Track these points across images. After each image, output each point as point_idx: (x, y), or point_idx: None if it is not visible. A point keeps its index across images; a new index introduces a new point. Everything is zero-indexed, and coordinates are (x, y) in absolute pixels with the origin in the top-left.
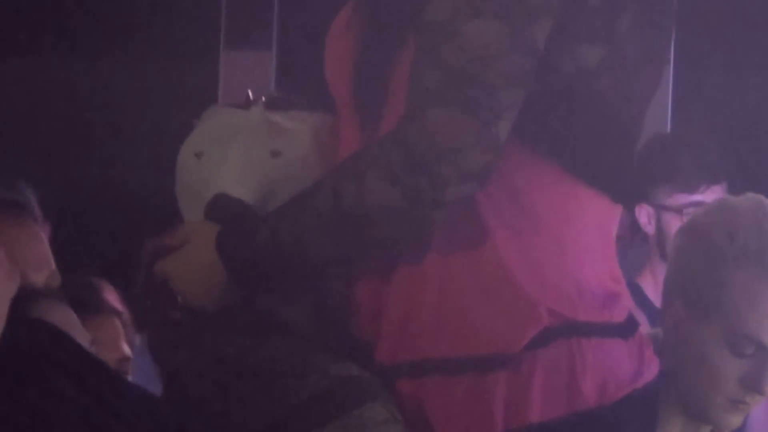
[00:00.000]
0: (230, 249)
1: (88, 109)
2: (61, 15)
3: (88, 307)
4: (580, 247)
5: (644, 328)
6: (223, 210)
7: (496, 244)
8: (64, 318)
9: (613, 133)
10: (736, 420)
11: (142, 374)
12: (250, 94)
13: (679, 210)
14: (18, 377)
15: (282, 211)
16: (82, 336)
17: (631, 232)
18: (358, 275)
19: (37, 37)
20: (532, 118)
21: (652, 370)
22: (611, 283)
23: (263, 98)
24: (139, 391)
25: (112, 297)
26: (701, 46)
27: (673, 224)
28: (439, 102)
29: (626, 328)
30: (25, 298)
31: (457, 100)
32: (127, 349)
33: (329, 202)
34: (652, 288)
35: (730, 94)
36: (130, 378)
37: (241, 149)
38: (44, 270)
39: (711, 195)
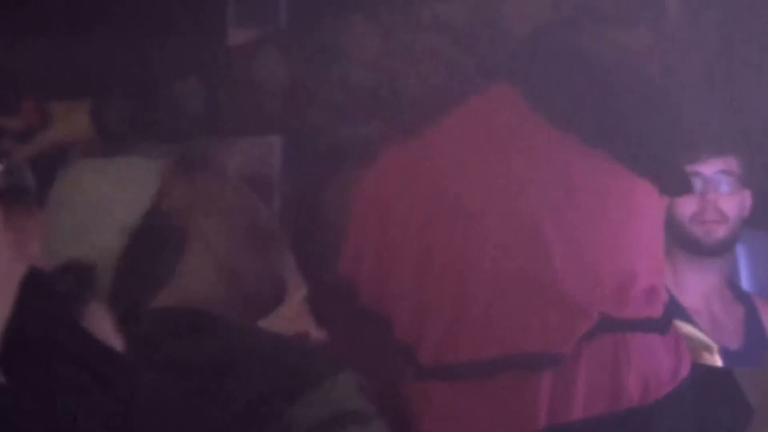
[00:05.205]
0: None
1: (92, 88)
2: None
3: None
4: (634, 245)
5: None
6: None
7: (548, 248)
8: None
9: (660, 120)
10: None
11: None
12: None
13: None
14: (29, 363)
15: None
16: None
17: None
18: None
19: (40, 17)
20: (579, 108)
21: (686, 365)
22: (653, 276)
23: None
24: (149, 377)
25: None
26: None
27: (686, 208)
28: None
29: (663, 323)
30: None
31: None
32: None
33: None
34: (671, 276)
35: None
36: None
37: None
38: None
39: (712, 167)
